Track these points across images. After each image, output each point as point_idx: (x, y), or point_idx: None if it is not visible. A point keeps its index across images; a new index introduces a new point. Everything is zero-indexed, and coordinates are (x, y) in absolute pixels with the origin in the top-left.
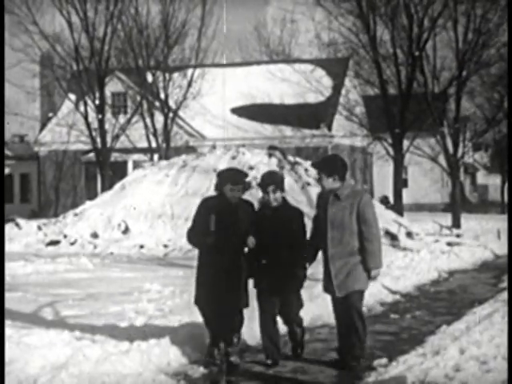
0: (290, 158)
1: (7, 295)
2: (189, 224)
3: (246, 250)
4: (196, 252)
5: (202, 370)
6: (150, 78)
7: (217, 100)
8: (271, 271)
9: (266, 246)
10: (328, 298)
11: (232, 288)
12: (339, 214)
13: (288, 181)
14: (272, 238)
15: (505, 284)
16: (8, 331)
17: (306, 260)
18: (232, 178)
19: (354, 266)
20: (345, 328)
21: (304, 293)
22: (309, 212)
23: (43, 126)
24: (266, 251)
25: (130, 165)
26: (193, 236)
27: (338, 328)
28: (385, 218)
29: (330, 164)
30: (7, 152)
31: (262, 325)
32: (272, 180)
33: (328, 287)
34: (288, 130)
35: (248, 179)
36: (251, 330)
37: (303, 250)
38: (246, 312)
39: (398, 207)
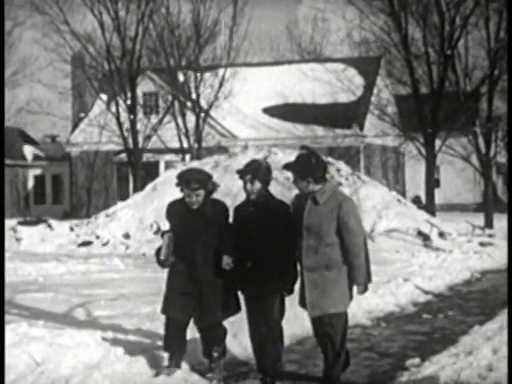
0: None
1: (40, 295)
2: None
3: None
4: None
5: (235, 370)
6: (181, 77)
7: (248, 100)
8: (256, 275)
9: (249, 246)
10: (362, 296)
11: (203, 301)
12: (316, 221)
13: None
14: (255, 238)
15: None
16: (41, 332)
17: (295, 261)
18: (185, 180)
19: (332, 282)
20: (323, 352)
21: None
22: None
23: (75, 126)
24: (250, 252)
25: (161, 165)
26: (155, 252)
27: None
28: (417, 219)
29: (302, 164)
30: (39, 153)
31: (252, 337)
32: (250, 168)
33: (303, 301)
34: (320, 130)
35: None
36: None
37: (292, 250)
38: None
39: (430, 207)
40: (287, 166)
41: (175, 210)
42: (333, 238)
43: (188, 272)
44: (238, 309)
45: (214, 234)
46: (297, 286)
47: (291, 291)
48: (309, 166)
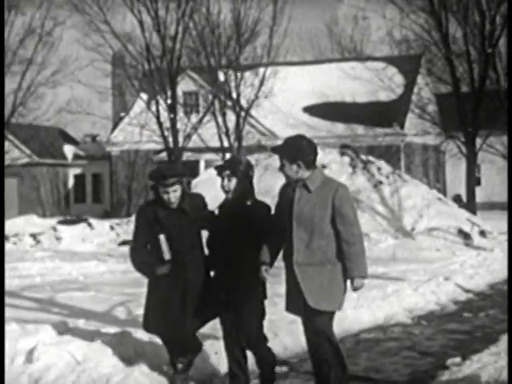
0: (363, 156)
1: (80, 294)
2: None
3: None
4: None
5: (276, 369)
6: (221, 76)
7: (289, 98)
8: (224, 282)
9: (219, 250)
10: (403, 295)
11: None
12: (308, 210)
13: (361, 180)
14: (224, 241)
15: None
16: (81, 330)
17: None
18: (160, 175)
19: (328, 279)
20: (315, 361)
21: (377, 292)
22: (382, 211)
23: (115, 125)
24: (218, 257)
25: (201, 164)
26: (139, 262)
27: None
28: (458, 217)
29: (292, 147)
30: (79, 152)
31: (226, 348)
32: (228, 164)
33: (292, 304)
34: (360, 129)
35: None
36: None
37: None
38: None
39: (470, 206)
40: (275, 149)
41: (151, 213)
42: (327, 229)
43: (174, 278)
44: (212, 317)
45: (198, 232)
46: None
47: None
48: (299, 148)
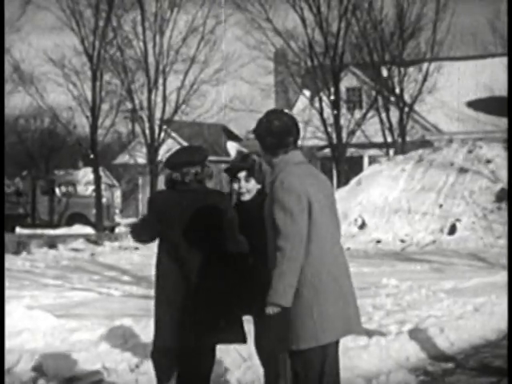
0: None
1: None
2: (428, 219)
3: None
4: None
5: (442, 365)
6: (384, 72)
7: (453, 93)
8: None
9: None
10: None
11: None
12: (267, 208)
13: None
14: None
15: None
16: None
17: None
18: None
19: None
20: None
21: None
22: None
23: None
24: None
25: (365, 160)
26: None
27: None
28: None
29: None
30: (242, 149)
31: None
32: (245, 165)
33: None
34: None
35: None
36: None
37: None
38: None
39: None
40: (255, 131)
41: (165, 201)
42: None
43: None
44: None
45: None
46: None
47: None
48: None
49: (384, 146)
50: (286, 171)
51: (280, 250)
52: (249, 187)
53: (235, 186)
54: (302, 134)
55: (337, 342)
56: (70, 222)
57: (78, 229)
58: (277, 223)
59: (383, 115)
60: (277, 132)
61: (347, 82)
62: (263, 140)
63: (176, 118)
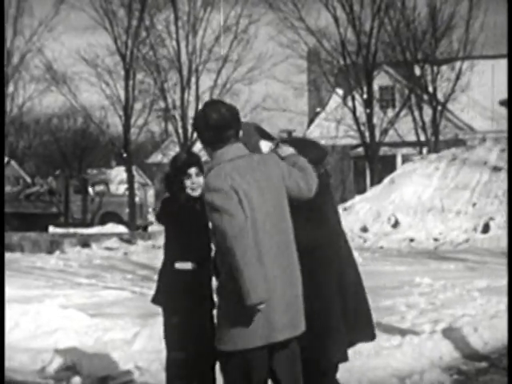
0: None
1: None
2: (461, 217)
3: None
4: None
5: (476, 364)
6: (417, 71)
7: (486, 92)
8: None
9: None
10: None
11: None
12: None
13: None
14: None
15: None
16: None
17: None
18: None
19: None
20: None
21: None
22: None
23: (311, 121)
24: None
25: (398, 159)
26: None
27: None
28: None
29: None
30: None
31: None
32: (196, 160)
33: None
34: None
35: None
36: None
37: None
38: None
39: None
40: (193, 124)
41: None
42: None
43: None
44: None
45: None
46: None
47: None
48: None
49: (417, 144)
50: (214, 170)
51: (228, 250)
52: (200, 182)
53: (187, 182)
54: (334, 132)
55: (272, 350)
56: (103, 221)
57: (111, 228)
58: (216, 225)
59: (416, 114)
60: (214, 125)
61: (380, 80)
62: (201, 134)
63: None
